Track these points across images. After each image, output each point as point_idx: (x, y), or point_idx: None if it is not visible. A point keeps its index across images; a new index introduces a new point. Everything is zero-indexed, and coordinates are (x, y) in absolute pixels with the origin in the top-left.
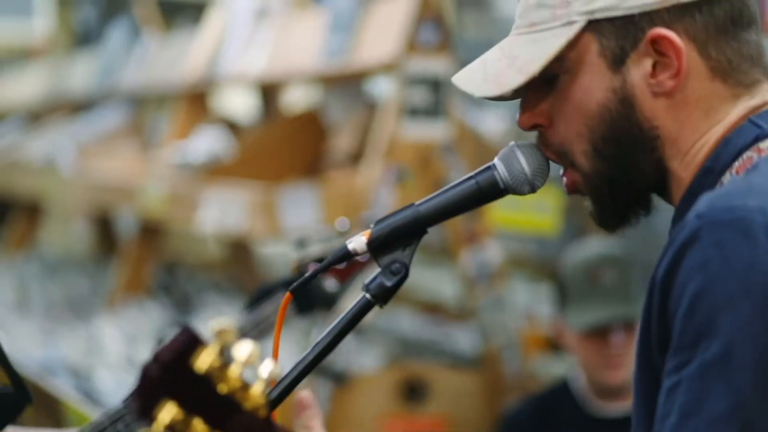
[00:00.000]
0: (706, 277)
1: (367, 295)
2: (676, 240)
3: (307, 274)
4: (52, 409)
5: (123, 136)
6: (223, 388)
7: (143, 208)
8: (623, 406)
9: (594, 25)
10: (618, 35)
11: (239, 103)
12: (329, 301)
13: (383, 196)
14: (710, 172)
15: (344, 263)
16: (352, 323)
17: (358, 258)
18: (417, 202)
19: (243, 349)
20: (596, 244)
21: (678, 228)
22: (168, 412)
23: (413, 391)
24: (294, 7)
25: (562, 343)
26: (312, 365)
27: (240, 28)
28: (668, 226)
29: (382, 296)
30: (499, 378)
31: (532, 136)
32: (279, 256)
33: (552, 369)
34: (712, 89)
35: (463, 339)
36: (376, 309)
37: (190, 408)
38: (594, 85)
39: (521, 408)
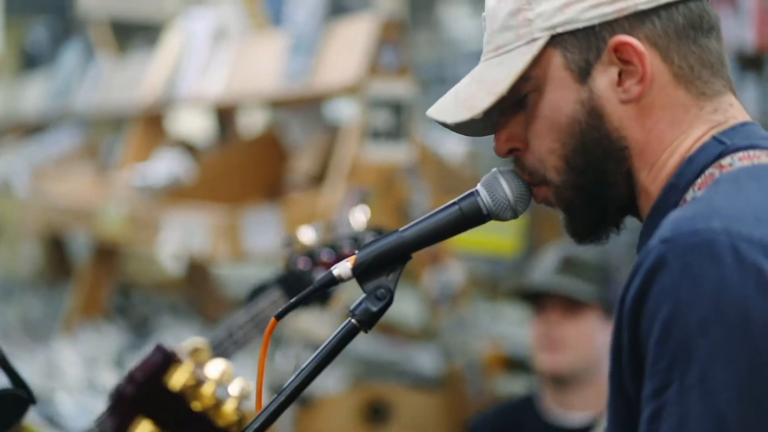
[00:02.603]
0: (676, 302)
1: (353, 321)
2: (643, 266)
3: (292, 300)
4: None
5: (78, 158)
6: (197, 406)
7: (102, 230)
8: (583, 416)
9: (557, 40)
10: (581, 47)
11: (194, 125)
12: (322, 296)
13: (346, 218)
14: (674, 189)
15: (334, 257)
16: (337, 348)
17: (348, 253)
18: (401, 228)
19: (216, 368)
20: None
21: (643, 253)
22: (142, 430)
23: (377, 412)
24: (253, 29)
25: None
26: (298, 390)
27: (198, 50)
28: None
29: (367, 321)
30: (462, 398)
31: (495, 160)
32: (236, 276)
33: (513, 388)
34: (676, 97)
35: (425, 359)
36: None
37: (164, 425)
38: (562, 99)
39: (485, 416)
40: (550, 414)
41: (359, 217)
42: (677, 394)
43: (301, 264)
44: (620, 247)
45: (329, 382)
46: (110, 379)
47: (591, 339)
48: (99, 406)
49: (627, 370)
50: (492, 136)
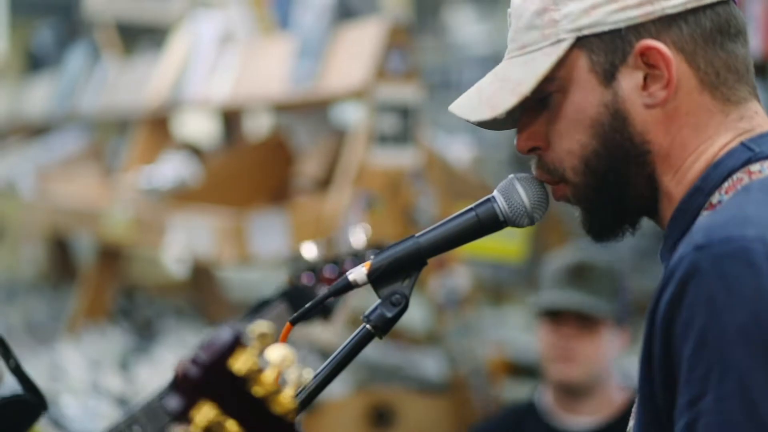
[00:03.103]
0: (712, 310)
1: (368, 326)
2: (676, 273)
3: (308, 305)
4: None
5: (83, 160)
6: (258, 391)
7: (106, 232)
8: (587, 421)
9: (582, 42)
10: (607, 50)
11: (200, 127)
12: (326, 311)
13: (352, 222)
14: (700, 192)
15: (336, 272)
16: (352, 354)
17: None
18: (417, 234)
19: (278, 353)
20: (584, 250)
21: (675, 260)
22: (205, 413)
23: (381, 417)
24: (260, 32)
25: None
26: (313, 396)
27: (204, 53)
28: (646, 250)
29: (382, 327)
30: (467, 403)
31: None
32: (241, 279)
33: (518, 394)
34: (702, 103)
35: (431, 364)
36: (336, 334)
37: (226, 409)
38: (586, 101)
39: (485, 422)
40: (554, 419)
41: (359, 235)
42: (715, 402)
43: (305, 279)
44: (626, 250)
45: (334, 387)
46: (114, 381)
47: (603, 351)
48: (103, 408)
49: (658, 379)
50: (498, 139)
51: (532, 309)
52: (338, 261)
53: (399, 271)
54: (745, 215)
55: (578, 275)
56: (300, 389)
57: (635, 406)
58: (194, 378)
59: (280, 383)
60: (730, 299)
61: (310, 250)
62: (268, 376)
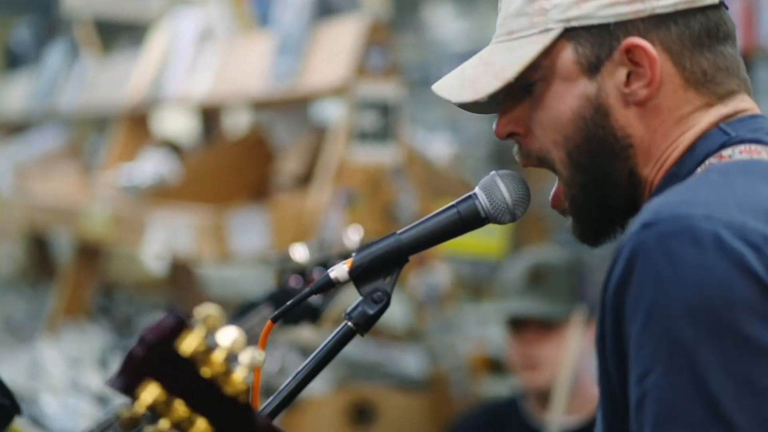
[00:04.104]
0: (659, 287)
1: (350, 324)
2: (623, 251)
3: (289, 302)
4: None
5: (62, 157)
6: (206, 372)
7: (86, 230)
8: (568, 420)
9: (570, 33)
10: (593, 43)
11: (179, 125)
12: (313, 314)
13: (333, 219)
14: (675, 177)
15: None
16: (333, 351)
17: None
18: (399, 231)
19: (228, 335)
20: (543, 251)
21: (625, 239)
22: (150, 392)
23: (362, 414)
24: (239, 29)
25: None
26: (294, 394)
27: (184, 51)
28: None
29: (364, 324)
30: (447, 400)
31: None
32: (220, 277)
33: (499, 390)
34: (685, 99)
35: (411, 361)
36: (320, 332)
37: (172, 390)
38: (569, 92)
39: (467, 417)
40: (535, 419)
41: (353, 237)
42: (662, 377)
43: (293, 282)
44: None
45: (314, 384)
46: (94, 379)
47: (570, 350)
48: (83, 406)
49: (611, 359)
50: (478, 136)
51: (499, 317)
52: (328, 264)
53: (381, 268)
54: (695, 195)
55: (535, 279)
56: (250, 371)
57: (598, 392)
58: (139, 357)
59: (231, 365)
60: (676, 276)
61: (299, 252)
62: (217, 357)
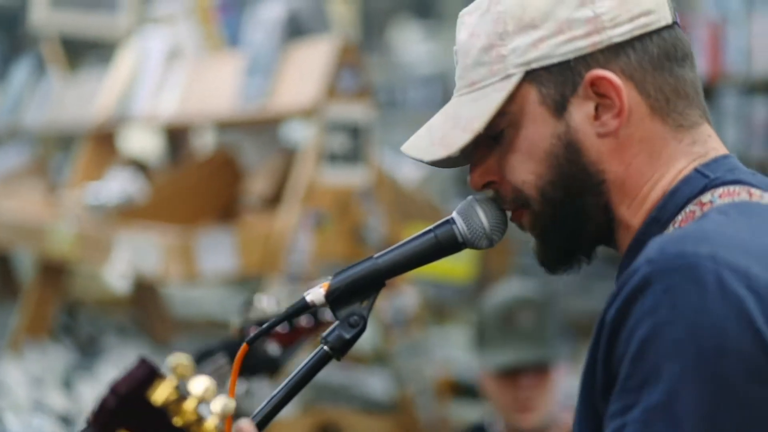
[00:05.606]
0: (654, 322)
1: (326, 348)
2: (627, 285)
3: (265, 325)
4: None
5: (26, 175)
6: (177, 421)
7: (51, 248)
8: None
9: (532, 76)
10: (556, 82)
11: (146, 144)
12: (272, 366)
13: (301, 240)
14: (656, 222)
15: (287, 328)
16: (308, 376)
17: (303, 325)
18: (375, 255)
19: (199, 384)
20: (513, 287)
21: (628, 273)
22: None
23: None
24: (208, 49)
25: (481, 387)
26: (269, 418)
27: (152, 69)
28: (592, 272)
29: (340, 348)
30: (414, 423)
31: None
32: (185, 297)
33: (466, 414)
34: (654, 129)
35: (377, 384)
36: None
37: None
38: (538, 134)
39: None
40: None
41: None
42: (642, 413)
43: (253, 332)
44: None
45: None
46: (58, 399)
47: (557, 389)
48: (47, 426)
49: (600, 386)
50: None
51: (483, 368)
52: (292, 318)
53: (357, 292)
54: (703, 232)
55: (517, 323)
56: (222, 419)
57: (575, 415)
58: (110, 407)
59: (202, 414)
60: (672, 314)
61: (266, 302)
62: (188, 406)
